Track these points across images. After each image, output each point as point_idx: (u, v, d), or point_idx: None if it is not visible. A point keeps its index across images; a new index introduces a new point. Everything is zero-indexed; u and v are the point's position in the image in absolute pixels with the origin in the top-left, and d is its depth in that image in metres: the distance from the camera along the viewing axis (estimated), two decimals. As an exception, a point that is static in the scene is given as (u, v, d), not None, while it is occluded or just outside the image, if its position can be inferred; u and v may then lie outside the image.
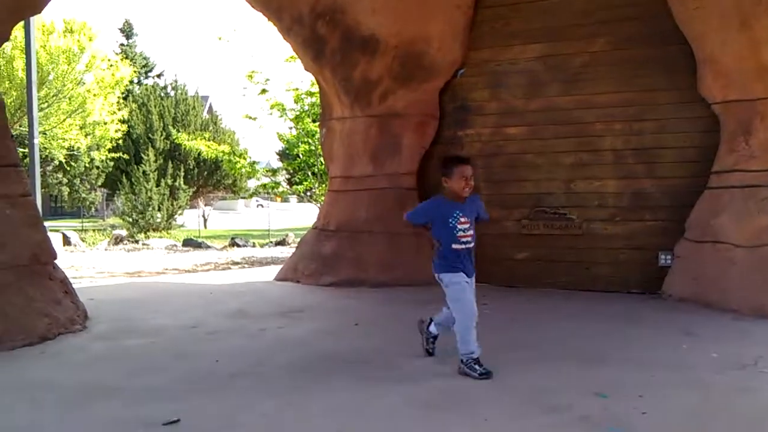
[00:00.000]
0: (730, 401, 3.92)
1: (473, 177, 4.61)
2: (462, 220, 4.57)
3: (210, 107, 48.64)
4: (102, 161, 32.77)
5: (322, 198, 13.37)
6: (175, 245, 19.07)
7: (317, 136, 13.44)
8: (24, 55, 17.57)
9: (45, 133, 24.62)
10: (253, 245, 19.26)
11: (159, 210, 24.94)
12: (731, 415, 3.69)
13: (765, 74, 6.53)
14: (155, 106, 35.37)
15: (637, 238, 7.65)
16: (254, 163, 17.41)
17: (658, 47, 7.49)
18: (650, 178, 7.60)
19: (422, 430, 3.51)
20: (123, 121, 29.75)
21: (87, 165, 33.54)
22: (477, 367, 4.38)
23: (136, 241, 20.47)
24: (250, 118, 16.30)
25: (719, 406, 3.84)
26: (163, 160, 31.30)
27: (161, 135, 34.18)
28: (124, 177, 26.70)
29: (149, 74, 48.40)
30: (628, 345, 5.32)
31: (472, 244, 4.66)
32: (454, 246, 4.59)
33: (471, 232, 4.63)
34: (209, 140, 20.43)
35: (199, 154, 24.67)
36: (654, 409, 3.74)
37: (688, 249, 7.13)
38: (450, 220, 4.57)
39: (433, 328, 4.91)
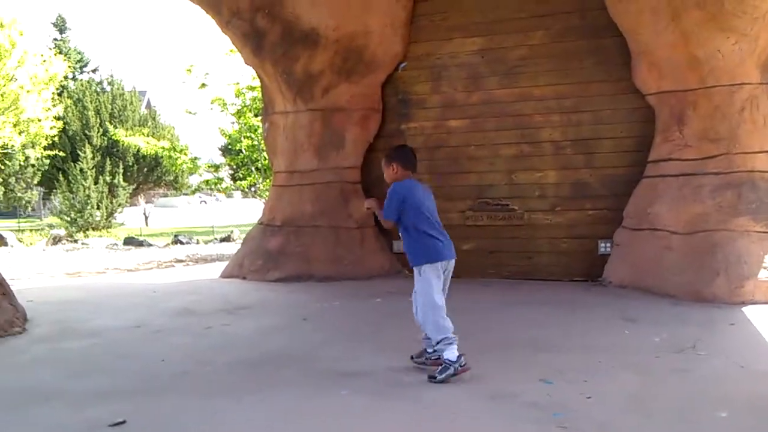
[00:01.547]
0: (670, 383, 4.06)
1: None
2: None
3: (148, 102, 47.65)
4: (38, 159, 31.73)
5: (267, 193, 13.28)
6: (116, 244, 18.66)
7: (260, 130, 13.33)
8: (-49, 51, 16.91)
9: (-24, 132, 23.76)
10: (197, 242, 18.99)
11: (98, 208, 24.36)
12: (671, 396, 3.82)
13: (697, 65, 6.75)
14: (91, 102, 34.43)
15: (577, 228, 7.82)
16: (196, 158, 17.15)
17: (594, 39, 7.67)
18: (589, 168, 7.78)
19: (368, 421, 3.53)
20: (58, 118, 28.84)
21: (22, 163, 32.44)
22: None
23: (75, 241, 19.96)
24: (190, 113, 16.10)
25: (660, 388, 3.97)
26: (100, 157, 30.53)
27: (98, 131, 33.30)
28: (61, 175, 26.00)
29: (84, 69, 47.04)
30: (572, 332, 5.45)
31: None
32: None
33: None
34: (148, 136, 20.06)
35: (138, 151, 24.20)
36: (598, 393, 3.85)
37: (626, 237, 7.33)
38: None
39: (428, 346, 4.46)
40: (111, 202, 25.60)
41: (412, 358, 4.53)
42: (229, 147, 18.25)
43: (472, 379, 4.16)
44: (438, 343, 4.22)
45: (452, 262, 4.57)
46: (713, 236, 6.56)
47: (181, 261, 13.39)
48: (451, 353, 4.15)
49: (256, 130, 14.61)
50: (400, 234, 4.53)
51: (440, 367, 4.13)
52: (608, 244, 7.62)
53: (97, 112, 34.29)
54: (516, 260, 8.09)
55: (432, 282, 4.39)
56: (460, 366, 4.12)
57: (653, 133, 7.29)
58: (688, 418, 3.45)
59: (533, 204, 8.02)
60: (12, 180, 33.06)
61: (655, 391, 3.91)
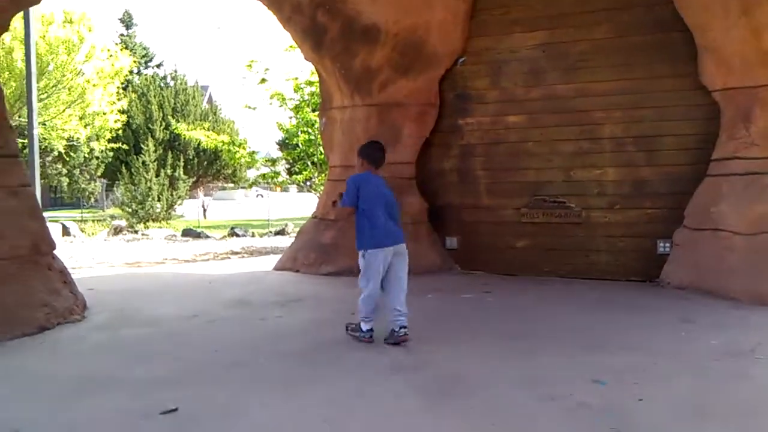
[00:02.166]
0: (726, 388, 3.93)
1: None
2: None
3: (210, 97, 48.54)
4: (101, 152, 32.72)
5: (322, 187, 13.35)
6: (175, 235, 19.06)
7: (317, 125, 13.41)
8: (23, 46, 17.48)
9: (44, 124, 24.56)
10: (253, 235, 19.25)
11: (158, 200, 24.92)
12: (728, 401, 3.69)
13: (766, 61, 6.51)
14: (155, 97, 35.25)
15: (636, 226, 7.64)
16: (254, 152, 17.37)
17: (659, 34, 7.46)
18: (650, 166, 7.59)
19: (420, 417, 3.52)
20: (122, 112, 29.66)
21: (86, 155, 33.49)
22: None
23: (136, 232, 20.46)
24: (250, 108, 16.26)
25: (716, 392, 3.85)
26: (162, 150, 31.23)
27: (161, 125, 34.09)
28: (123, 167, 26.66)
29: (149, 64, 48.26)
30: (627, 332, 5.32)
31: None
32: None
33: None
34: (209, 130, 20.41)
35: (198, 144, 24.63)
36: (651, 395, 3.75)
37: (687, 237, 7.12)
38: None
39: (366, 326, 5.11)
40: (171, 195, 26.14)
41: (385, 341, 5.01)
42: (287, 141, 18.43)
43: (525, 379, 4.10)
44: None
45: (394, 249, 5.07)
46: (779, 238, 6.32)
47: (237, 253, 13.59)
48: (365, 326, 5.03)
49: (313, 125, 14.70)
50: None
51: (355, 327, 5.11)
52: (667, 244, 7.41)
53: (160, 107, 35.09)
54: (572, 258, 7.95)
55: (370, 265, 5.02)
56: (365, 337, 5.00)
57: (717, 131, 7.05)
58: (745, 425, 3.33)
59: (591, 202, 7.87)
60: (76, 171, 34.15)
61: (711, 396, 3.79)
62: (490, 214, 8.39)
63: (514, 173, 8.23)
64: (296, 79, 15.16)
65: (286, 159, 17.89)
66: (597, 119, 7.80)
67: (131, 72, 34.68)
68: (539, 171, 8.13)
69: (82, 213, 29.86)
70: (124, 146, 31.28)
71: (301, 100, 15.27)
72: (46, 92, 23.86)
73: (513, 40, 8.19)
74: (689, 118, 7.39)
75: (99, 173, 35.43)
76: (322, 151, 12.53)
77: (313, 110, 14.47)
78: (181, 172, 28.94)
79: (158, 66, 48.37)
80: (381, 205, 5.07)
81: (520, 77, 8.18)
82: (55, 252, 6.20)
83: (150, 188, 24.65)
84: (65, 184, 35.29)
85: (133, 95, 34.84)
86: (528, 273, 8.03)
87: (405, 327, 4.94)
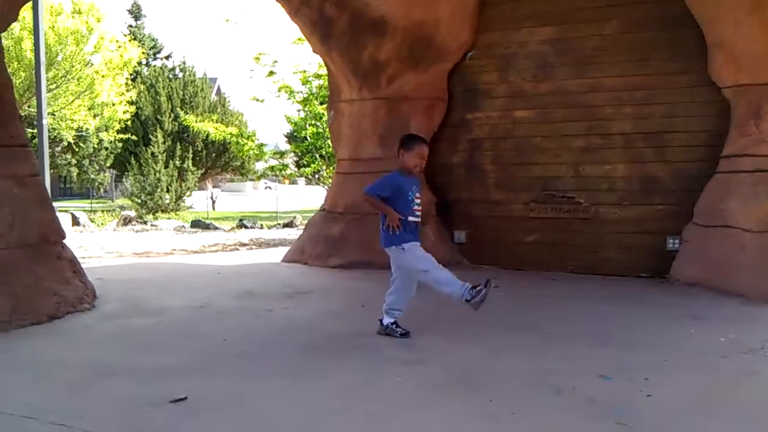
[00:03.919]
0: (736, 385, 3.92)
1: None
2: (417, 194, 4.89)
3: (218, 89, 48.57)
4: (110, 142, 32.84)
5: (330, 180, 13.37)
6: (183, 226, 19.13)
7: (325, 118, 13.42)
8: (32, 36, 17.55)
9: (54, 114, 24.66)
10: (261, 227, 19.30)
11: (167, 191, 25.03)
12: (737, 398, 3.69)
13: (777, 58, 6.48)
14: (163, 88, 35.31)
15: (645, 223, 7.62)
16: (262, 145, 17.42)
17: (669, 30, 7.43)
18: (659, 162, 7.56)
19: (429, 411, 3.53)
20: (131, 103, 29.76)
21: (96, 146, 33.62)
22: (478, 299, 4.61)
23: (145, 222, 20.55)
24: (258, 100, 16.31)
25: (725, 389, 3.84)
26: (171, 141, 31.31)
27: (169, 116, 34.15)
28: (132, 158, 26.77)
29: (157, 56, 48.29)
30: (635, 328, 5.32)
31: (420, 218, 4.95)
32: (410, 218, 4.84)
33: (421, 206, 4.93)
34: (217, 122, 20.46)
35: (207, 136, 24.68)
36: (659, 391, 3.75)
37: (696, 233, 7.11)
38: (409, 194, 4.84)
39: (387, 320, 5.03)
40: (180, 186, 26.26)
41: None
42: (295, 134, 18.46)
43: (533, 373, 4.11)
44: None
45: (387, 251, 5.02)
46: (789, 236, 6.30)
47: (245, 245, 13.64)
48: (468, 294, 4.68)
49: (321, 118, 14.72)
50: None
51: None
52: (677, 241, 7.40)
53: (169, 98, 35.15)
54: (581, 254, 7.94)
55: (417, 254, 4.90)
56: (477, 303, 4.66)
57: (727, 128, 7.02)
58: (754, 422, 3.32)
59: (600, 197, 7.85)
60: (86, 162, 34.30)
61: (719, 392, 3.78)
62: (499, 208, 8.38)
63: (523, 168, 8.22)
64: (304, 72, 15.19)
65: (294, 151, 17.95)
66: (606, 115, 7.77)
67: (140, 63, 34.76)
68: (548, 166, 8.12)
69: (91, 203, 30.03)
70: (133, 137, 31.37)
71: (309, 93, 15.30)
72: (55, 83, 23.95)
73: (522, 35, 8.17)
74: (699, 114, 7.36)
75: (108, 164, 35.56)
76: (330, 144, 12.54)
77: (321, 103, 14.49)
78: (190, 164, 29.04)
79: (167, 57, 48.42)
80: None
81: (529, 72, 8.16)
82: (64, 241, 6.24)
83: (159, 179, 24.75)
84: (74, 174, 35.46)
85: (142, 86, 34.91)
86: (537, 268, 8.03)
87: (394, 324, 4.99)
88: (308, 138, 15.57)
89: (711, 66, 7.10)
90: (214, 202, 31.43)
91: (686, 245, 7.22)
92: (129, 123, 30.60)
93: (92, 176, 35.18)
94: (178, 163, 27.79)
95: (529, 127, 8.19)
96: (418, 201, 4.88)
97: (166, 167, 25.70)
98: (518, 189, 8.22)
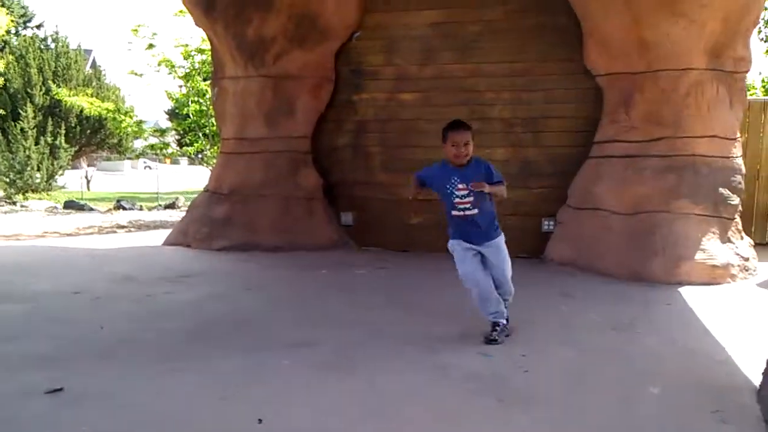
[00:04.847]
0: (605, 359, 4.16)
1: (468, 144, 4.49)
2: (460, 186, 4.42)
3: (94, 62, 46.22)
4: (-26, 116, 30.63)
5: (214, 160, 13.06)
6: (56, 207, 18.16)
7: (208, 95, 13.07)
8: None
9: None
10: (141, 208, 18.61)
11: (38, 170, 23.64)
12: (606, 371, 3.92)
13: (645, 49, 6.85)
14: (34, 59, 33.21)
15: (523, 205, 7.91)
16: (141, 122, 16.72)
17: (549, 18, 7.71)
18: (537, 147, 7.87)
19: (315, 392, 3.54)
20: (-2, 74, 27.87)
21: (-43, 121, 31.28)
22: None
23: (14, 203, 19.36)
24: (137, 74, 15.62)
25: (595, 363, 4.07)
26: (42, 116, 29.52)
27: (40, 90, 32.19)
28: (0, 134, 25.09)
29: (28, 24, 45.26)
30: (511, 307, 5.52)
31: (474, 211, 4.45)
32: (453, 213, 4.49)
33: (470, 198, 4.41)
34: (92, 97, 19.48)
35: (81, 112, 23.47)
36: (536, 367, 3.93)
37: (569, 215, 7.46)
38: (447, 186, 4.45)
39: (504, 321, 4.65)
40: (52, 164, 24.85)
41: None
42: (176, 111, 17.87)
43: (415, 350, 4.19)
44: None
45: None
46: (653, 218, 6.72)
47: (123, 227, 13.11)
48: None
49: (204, 95, 14.32)
50: (480, 207, 4.49)
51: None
52: (551, 223, 7.74)
53: (40, 70, 33.11)
54: (462, 235, 8.13)
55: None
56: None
57: (601, 115, 7.39)
58: (621, 393, 3.54)
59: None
60: (-53, 137, 31.84)
61: (590, 367, 4.01)
62: (384, 190, 8.46)
63: (407, 150, 8.32)
64: (186, 45, 14.69)
65: (176, 129, 17.37)
66: (488, 99, 7.99)
67: (8, 32, 32.50)
68: (430, 149, 8.22)
69: (-48, 182, 27.95)
70: (1, 111, 29.40)
71: (192, 68, 14.82)
72: None
73: (408, 17, 8.24)
74: (576, 101, 7.70)
75: (-28, 139, 33.18)
76: (215, 123, 12.23)
77: (205, 79, 14.09)
78: (63, 141, 27.49)
79: (38, 27, 45.44)
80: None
81: (414, 55, 8.25)
82: None
83: (29, 157, 23.32)
84: (-67, 150, 32.87)
85: (11, 57, 32.68)
86: (422, 249, 8.17)
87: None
88: (191, 115, 15.10)
89: (586, 54, 7.43)
90: (89, 181, 30.01)
91: (560, 227, 7.56)
92: (-5, 96, 28.64)
93: (-46, 153, 32.73)
94: (49, 139, 26.26)
95: (414, 110, 8.29)
96: (460, 193, 4.41)
97: (36, 144, 24.23)
98: (403, 171, 8.26)
